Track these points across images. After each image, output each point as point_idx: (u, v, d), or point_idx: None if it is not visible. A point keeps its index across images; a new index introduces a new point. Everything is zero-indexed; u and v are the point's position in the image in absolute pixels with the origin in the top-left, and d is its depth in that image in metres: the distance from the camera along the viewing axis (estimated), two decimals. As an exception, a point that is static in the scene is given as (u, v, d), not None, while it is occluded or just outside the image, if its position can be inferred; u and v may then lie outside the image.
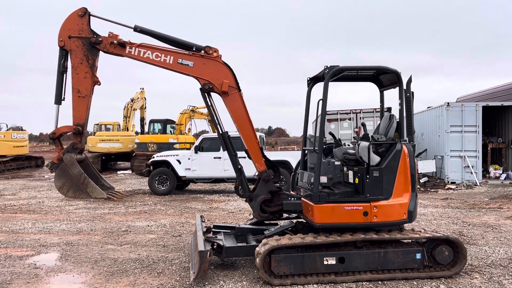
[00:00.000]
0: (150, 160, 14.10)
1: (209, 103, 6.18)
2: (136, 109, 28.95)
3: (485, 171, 16.98)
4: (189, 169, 13.65)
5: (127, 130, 26.77)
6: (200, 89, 6.10)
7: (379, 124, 6.16)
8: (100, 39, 5.86)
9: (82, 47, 5.86)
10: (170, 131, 23.67)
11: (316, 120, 5.45)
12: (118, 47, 5.90)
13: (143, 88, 29.95)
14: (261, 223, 6.54)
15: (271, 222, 6.64)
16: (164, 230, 8.38)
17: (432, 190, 14.83)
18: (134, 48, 5.94)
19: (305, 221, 6.00)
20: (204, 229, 6.44)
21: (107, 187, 6.18)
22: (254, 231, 6.40)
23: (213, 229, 6.54)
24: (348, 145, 6.42)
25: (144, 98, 29.99)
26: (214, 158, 13.62)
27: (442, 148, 16.30)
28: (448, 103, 15.92)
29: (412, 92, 5.92)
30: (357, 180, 5.58)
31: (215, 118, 6.24)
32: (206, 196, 13.62)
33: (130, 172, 23.41)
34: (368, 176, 5.45)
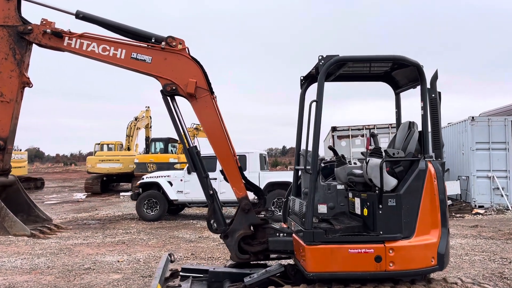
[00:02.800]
0: (139, 182, 12.74)
1: (173, 110, 4.79)
2: (140, 128, 27.93)
3: (517, 193, 15.10)
4: (182, 191, 12.24)
5: (129, 149, 25.62)
6: (161, 91, 4.72)
7: (395, 135, 4.66)
8: (29, 27, 4.55)
9: (7, 38, 4.57)
10: (171, 150, 22.41)
11: (308, 128, 4.00)
12: (54, 38, 4.59)
13: (148, 107, 29.01)
14: (245, 264, 5.00)
15: (259, 262, 5.11)
16: (135, 268, 6.91)
17: (458, 215, 13.07)
18: (75, 39, 4.62)
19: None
20: (168, 274, 4.97)
21: (43, 218, 4.84)
22: (233, 276, 4.87)
23: (181, 273, 5.06)
24: (355, 163, 4.91)
25: (150, 117, 29.00)
26: (211, 179, 12.15)
27: (467, 168, 14.56)
28: (472, 117, 14.26)
29: (439, 93, 4.43)
30: (365, 212, 4.06)
31: (180, 129, 4.83)
32: (199, 222, 12.13)
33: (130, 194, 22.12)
34: (381, 206, 3.93)
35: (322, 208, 4.61)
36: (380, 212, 3.93)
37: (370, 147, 4.34)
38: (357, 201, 4.27)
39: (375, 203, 3.95)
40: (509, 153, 14.12)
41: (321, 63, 4.06)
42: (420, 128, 4.36)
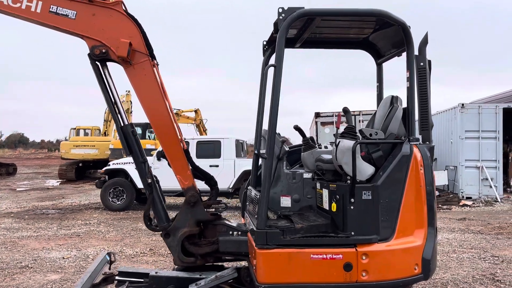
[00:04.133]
0: (104, 168, 11.79)
1: (104, 79, 3.87)
2: (118, 113, 26.78)
3: (506, 185, 14.53)
4: (151, 179, 11.29)
5: (106, 135, 24.53)
6: (88, 55, 3.80)
7: (375, 113, 3.83)
8: None
9: None
10: (149, 136, 21.43)
11: (260, 100, 3.13)
12: None
13: (129, 91, 27.79)
14: (197, 267, 4.14)
15: (216, 264, 4.25)
16: (79, 266, 6.03)
17: (445, 207, 12.41)
18: (-26, -14, 3.66)
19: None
20: (99, 279, 4.10)
21: None
22: (180, 282, 4.03)
23: (117, 278, 4.19)
24: (326, 147, 4.08)
25: (130, 101, 27.87)
26: (181, 166, 11.26)
27: (455, 157, 13.89)
28: (462, 105, 13.54)
29: (429, 61, 3.59)
30: (334, 207, 3.23)
31: (112, 104, 3.92)
32: (169, 212, 11.24)
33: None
34: (353, 200, 3.10)
35: (285, 201, 3.79)
36: (352, 207, 3.11)
37: (341, 127, 3.49)
38: (325, 193, 3.44)
39: (346, 196, 3.12)
40: (499, 142, 13.48)
41: (281, 17, 3.18)
42: (404, 104, 3.53)
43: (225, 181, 10.79)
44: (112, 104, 3.87)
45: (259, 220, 3.10)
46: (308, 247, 3.07)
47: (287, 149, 3.98)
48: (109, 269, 4.31)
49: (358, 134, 3.29)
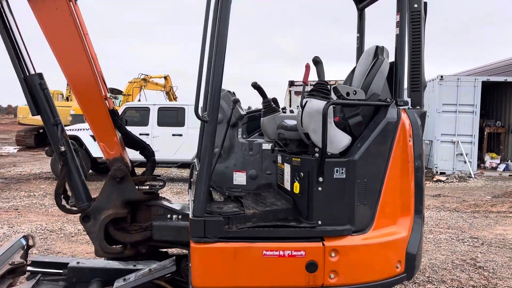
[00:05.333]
0: (55, 135, 10.68)
1: (3, 14, 2.91)
2: (83, 77, 25.19)
3: (480, 160, 14.26)
4: (107, 148, 10.31)
5: (68, 100, 23.07)
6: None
7: (354, 68, 3.04)
8: None
9: None
10: (113, 102, 20.12)
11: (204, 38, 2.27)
12: None
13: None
14: (131, 256, 3.33)
15: (161, 250, 3.46)
16: (5, 247, 5.13)
17: (419, 182, 11.97)
18: None
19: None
20: (4, 270, 3.27)
21: None
22: (108, 274, 3.25)
23: (29, 269, 3.36)
24: (292, 111, 3.28)
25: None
26: (141, 134, 10.31)
27: (431, 131, 13.42)
28: (441, 76, 12.97)
29: (425, 3, 2.81)
30: (297, 187, 2.46)
31: (12, 48, 2.95)
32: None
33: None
34: (321, 180, 2.34)
35: (239, 178, 3.02)
36: (320, 188, 2.35)
37: (309, 83, 2.67)
38: (287, 169, 2.67)
39: (313, 174, 2.35)
40: (476, 117, 13.05)
41: None
42: (392, 58, 2.75)
43: (189, 153, 9.92)
44: (9, 46, 2.91)
45: (195, 203, 2.30)
46: (261, 240, 2.31)
47: (242, 112, 3.16)
48: (25, 256, 3.48)
49: (331, 92, 2.49)
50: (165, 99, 23.23)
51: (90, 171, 10.83)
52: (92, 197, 3.11)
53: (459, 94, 12.95)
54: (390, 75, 2.73)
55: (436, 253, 5.32)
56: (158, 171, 12.55)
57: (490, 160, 13.97)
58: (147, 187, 3.09)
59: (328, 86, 2.48)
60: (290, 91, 14.44)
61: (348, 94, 2.46)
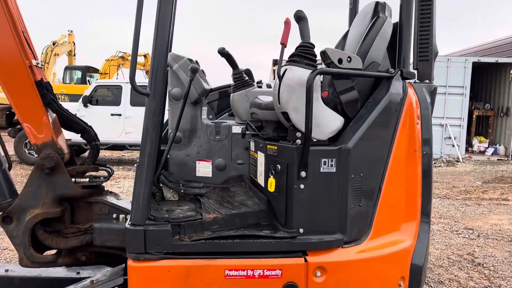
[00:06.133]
0: (18, 115, 9.86)
1: None
2: (58, 55, 24.08)
3: (468, 144, 13.91)
4: (76, 129, 9.55)
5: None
6: None
7: (346, 33, 2.42)
8: None
9: None
10: (89, 81, 19.24)
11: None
12: None
13: (71, 31, 25.03)
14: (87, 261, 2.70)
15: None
16: None
17: (406, 166, 11.56)
18: None
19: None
20: None
21: None
22: (43, 284, 2.65)
23: None
24: (269, 86, 2.66)
25: (73, 42, 25.11)
26: (112, 115, 9.59)
27: (419, 114, 12.95)
28: (431, 56, 12.43)
29: None
30: (272, 184, 1.86)
31: None
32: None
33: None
34: (304, 174, 1.75)
35: (204, 169, 2.42)
36: (302, 186, 1.76)
37: (287, 44, 2.05)
38: (261, 158, 2.07)
39: (293, 167, 1.76)
40: (466, 99, 12.63)
41: None
42: (396, 18, 2.15)
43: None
44: None
45: (133, 207, 1.70)
46: (223, 256, 1.72)
47: (206, 86, 2.53)
48: None
49: (318, 58, 1.88)
50: (144, 78, 22.36)
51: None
52: (19, 192, 2.48)
53: (449, 75, 12.49)
54: (391, 40, 2.13)
55: (430, 247, 4.84)
56: (131, 154, 11.81)
57: (478, 144, 13.63)
58: (87, 179, 2.45)
59: (314, 50, 1.87)
60: (274, 71, 13.77)
61: (340, 61, 1.85)
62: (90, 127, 2.61)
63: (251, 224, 1.89)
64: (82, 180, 2.45)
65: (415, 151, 2.01)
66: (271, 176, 1.84)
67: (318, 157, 1.77)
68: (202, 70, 2.60)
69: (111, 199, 2.51)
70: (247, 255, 1.73)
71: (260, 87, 2.54)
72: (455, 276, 4.01)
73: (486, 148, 13.49)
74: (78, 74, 19.65)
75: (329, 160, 1.78)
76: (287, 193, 1.79)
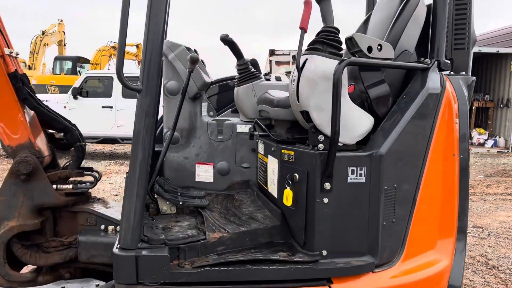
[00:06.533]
0: None
1: None
2: (48, 44, 23.57)
3: (466, 136, 13.68)
4: (66, 122, 9.17)
5: (30, 68, 21.48)
6: None
7: (367, 17, 2.11)
8: None
9: None
10: (79, 72, 18.76)
11: None
12: None
13: (61, 20, 24.47)
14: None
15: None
16: None
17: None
18: None
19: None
20: None
21: None
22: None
23: None
24: (278, 78, 2.35)
25: (63, 32, 24.57)
26: (103, 107, 9.22)
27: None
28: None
29: None
30: (289, 197, 1.56)
31: None
32: (90, 163, 9.32)
33: None
34: (328, 186, 1.45)
35: (204, 173, 2.12)
36: (326, 200, 1.46)
37: (308, 28, 1.73)
38: (273, 165, 1.76)
39: (314, 177, 1.46)
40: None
41: None
42: (429, 0, 1.84)
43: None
44: None
45: (122, 227, 1.39)
46: (231, 286, 1.43)
47: (207, 79, 2.22)
48: None
49: (344, 45, 1.57)
50: (137, 69, 21.91)
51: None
52: None
53: (449, 66, 12.21)
54: (427, 26, 1.83)
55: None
56: (123, 147, 11.53)
57: (478, 135, 13.43)
58: (71, 185, 2.14)
59: (339, 36, 1.56)
60: (270, 61, 13.40)
61: (370, 49, 1.54)
62: (74, 125, 2.29)
63: (263, 243, 1.59)
64: (64, 186, 2.14)
65: (453, 155, 1.72)
66: (288, 188, 1.54)
67: (345, 165, 1.48)
68: (202, 61, 2.28)
69: (98, 208, 2.20)
70: (260, 284, 1.44)
71: (268, 79, 2.23)
72: (470, 281, 3.77)
73: (486, 140, 13.30)
74: (68, 65, 19.15)
75: (358, 168, 1.48)
76: (307, 208, 1.50)
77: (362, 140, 1.57)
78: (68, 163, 2.23)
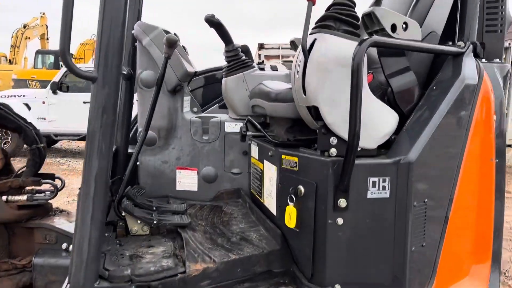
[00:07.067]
0: (-21, 103, 8.96)
1: None
2: (29, 38, 22.93)
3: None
4: (45, 118, 8.73)
5: (11, 63, 20.87)
6: None
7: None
8: None
9: None
10: (62, 66, 18.19)
11: None
12: None
13: (44, 13, 23.81)
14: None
15: None
16: None
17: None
18: None
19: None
20: None
21: None
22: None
23: None
24: (274, 67, 2.00)
25: (46, 25, 23.93)
26: (85, 102, 8.74)
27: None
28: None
29: None
30: (293, 216, 1.22)
31: None
32: (69, 162, 8.88)
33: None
34: (344, 203, 1.11)
35: (187, 180, 1.76)
36: (341, 221, 1.12)
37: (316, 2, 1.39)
38: (270, 173, 1.42)
39: (326, 191, 1.12)
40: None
41: None
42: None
43: None
44: None
45: (74, 262, 1.04)
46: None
47: (189, 68, 1.86)
48: None
49: (363, 23, 1.23)
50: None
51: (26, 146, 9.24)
52: None
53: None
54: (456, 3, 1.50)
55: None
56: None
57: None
58: (25, 197, 1.77)
59: (356, 11, 1.23)
60: (259, 55, 13.05)
61: (394, 28, 1.20)
62: (31, 124, 1.92)
63: (259, 273, 1.26)
64: (17, 198, 1.77)
65: (491, 160, 1.40)
66: (291, 204, 1.21)
67: (364, 175, 1.15)
68: (183, 47, 1.93)
69: (60, 223, 1.83)
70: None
71: (262, 69, 1.88)
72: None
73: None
74: (51, 59, 18.55)
75: (381, 179, 1.16)
76: (316, 231, 1.17)
77: (386, 143, 1.24)
78: (21, 170, 1.86)
